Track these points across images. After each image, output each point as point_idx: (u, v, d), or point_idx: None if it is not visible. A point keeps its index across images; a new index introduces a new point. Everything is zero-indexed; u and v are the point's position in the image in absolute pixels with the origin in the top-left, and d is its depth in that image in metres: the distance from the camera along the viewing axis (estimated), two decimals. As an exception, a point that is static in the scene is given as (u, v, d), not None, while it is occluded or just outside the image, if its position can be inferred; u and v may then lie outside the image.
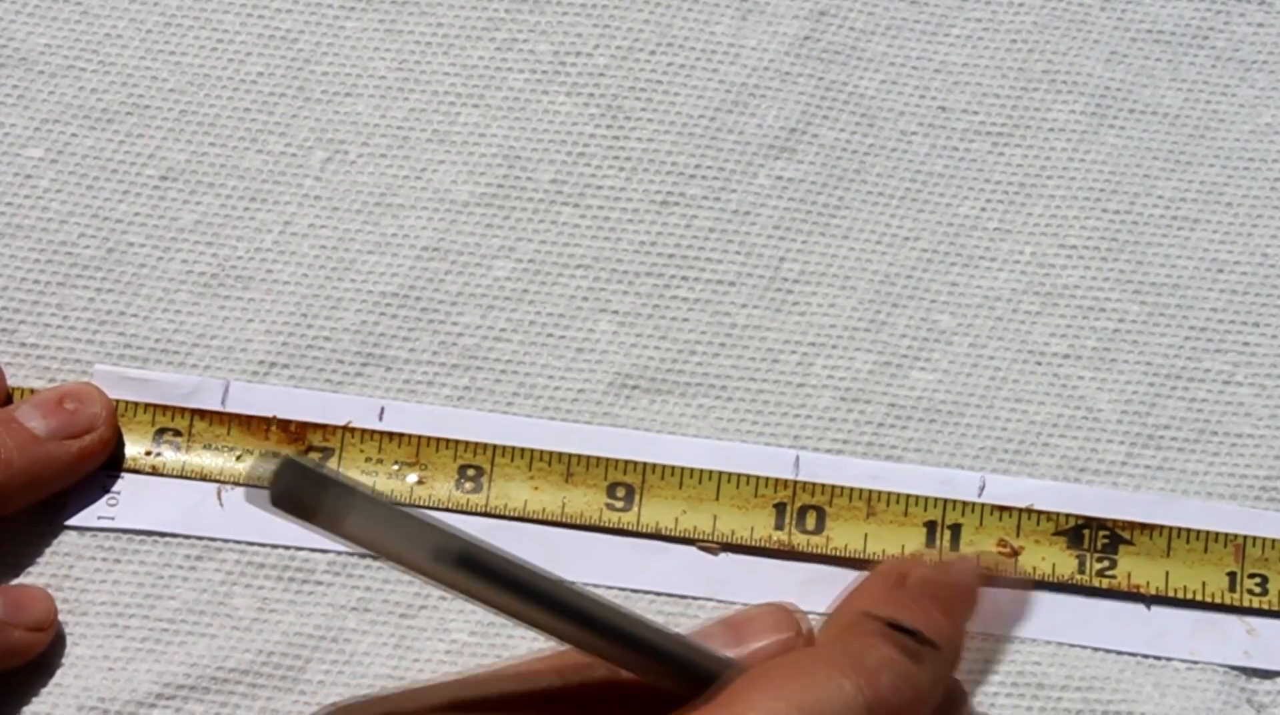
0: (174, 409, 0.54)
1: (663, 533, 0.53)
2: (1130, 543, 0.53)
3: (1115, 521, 0.53)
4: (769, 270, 0.56)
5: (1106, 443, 0.55)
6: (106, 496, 0.53)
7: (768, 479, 0.53)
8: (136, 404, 0.54)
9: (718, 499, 0.53)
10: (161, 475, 0.53)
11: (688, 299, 0.56)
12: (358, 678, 0.51)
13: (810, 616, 0.41)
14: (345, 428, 0.54)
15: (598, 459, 0.53)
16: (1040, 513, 0.53)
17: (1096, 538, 0.53)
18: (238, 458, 0.53)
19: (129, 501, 0.53)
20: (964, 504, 0.53)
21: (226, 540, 0.53)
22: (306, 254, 0.56)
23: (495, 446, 0.54)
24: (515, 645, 0.52)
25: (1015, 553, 0.53)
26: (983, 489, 0.54)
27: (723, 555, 0.53)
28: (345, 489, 0.29)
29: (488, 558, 0.33)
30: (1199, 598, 0.53)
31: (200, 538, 0.53)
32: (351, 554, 0.52)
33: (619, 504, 0.53)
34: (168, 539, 0.53)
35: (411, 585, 0.52)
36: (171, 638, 0.52)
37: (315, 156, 0.57)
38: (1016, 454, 0.54)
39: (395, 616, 0.52)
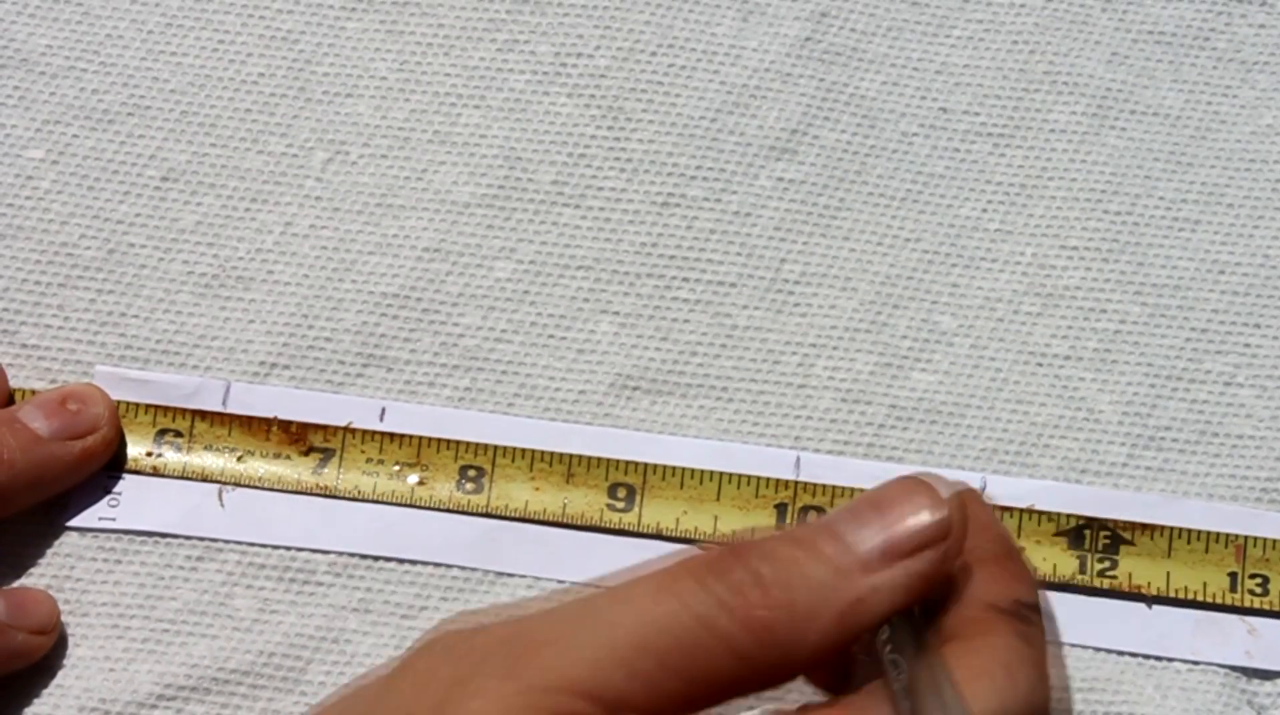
0: (175, 410, 0.54)
1: (664, 533, 0.53)
2: (1131, 543, 0.53)
3: (1116, 522, 0.53)
4: (770, 271, 0.56)
5: (1108, 444, 0.55)
6: (108, 497, 0.53)
7: (769, 480, 0.53)
8: (137, 405, 0.54)
9: (719, 500, 0.53)
10: (162, 476, 0.53)
11: (689, 300, 0.56)
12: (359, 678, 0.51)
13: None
14: (346, 428, 0.54)
15: (599, 460, 0.53)
16: (1041, 513, 0.53)
17: (1097, 538, 0.53)
18: (239, 459, 0.53)
19: (130, 502, 0.53)
20: (965, 505, 0.53)
21: (227, 541, 0.53)
22: (307, 255, 0.56)
23: (496, 447, 0.54)
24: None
25: (1016, 553, 0.53)
26: (984, 490, 0.54)
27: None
28: None
29: None
30: (1200, 598, 0.53)
31: (201, 539, 0.53)
32: (353, 554, 0.53)
33: (620, 505, 0.53)
34: (169, 540, 0.53)
35: (412, 585, 0.52)
36: (172, 639, 0.52)
37: (316, 157, 0.57)
38: (1018, 455, 0.54)
39: (396, 617, 0.52)
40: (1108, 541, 0.53)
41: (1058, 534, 0.53)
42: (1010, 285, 0.56)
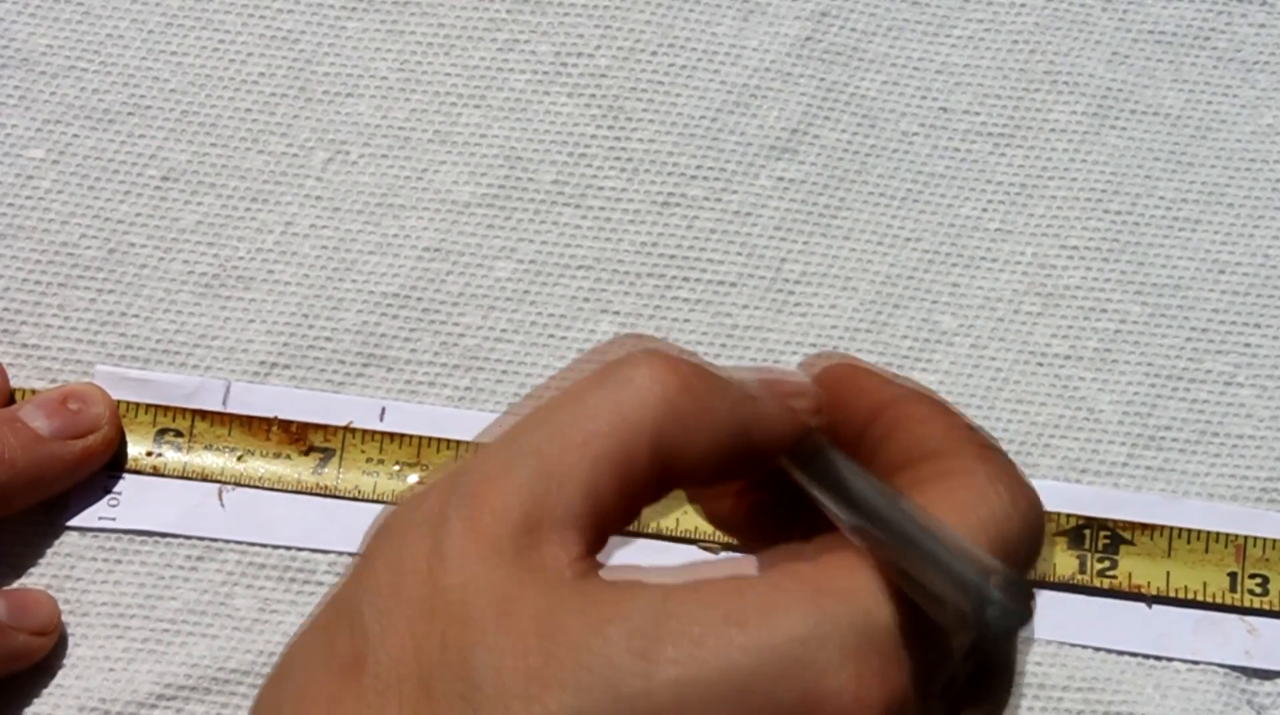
0: (175, 409, 0.54)
1: (664, 533, 0.53)
2: (1131, 543, 0.53)
3: (1116, 522, 0.53)
4: (770, 271, 0.56)
5: (1108, 444, 0.55)
6: (108, 497, 0.53)
7: (769, 480, 0.53)
8: (138, 405, 0.54)
9: (719, 500, 0.53)
10: (163, 476, 0.53)
11: (689, 300, 0.56)
12: (359, 678, 0.51)
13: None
14: (346, 428, 0.54)
15: (599, 460, 0.53)
16: (1041, 513, 0.53)
17: (1097, 538, 0.53)
18: (239, 458, 0.53)
19: (130, 502, 0.53)
20: (965, 505, 0.53)
21: (227, 541, 0.53)
22: (308, 254, 0.56)
23: (496, 447, 0.54)
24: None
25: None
26: (983, 490, 0.54)
27: (723, 555, 0.53)
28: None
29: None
30: (1200, 598, 0.53)
31: (201, 538, 0.53)
32: (353, 554, 0.52)
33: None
34: (169, 539, 0.53)
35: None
36: (173, 638, 0.52)
37: (317, 157, 0.57)
38: (1018, 455, 0.54)
39: (396, 617, 0.52)
40: (1107, 541, 0.53)
41: (1058, 534, 0.53)
42: (1010, 285, 0.56)
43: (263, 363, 0.55)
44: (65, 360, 0.55)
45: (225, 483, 0.53)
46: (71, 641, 0.52)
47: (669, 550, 0.53)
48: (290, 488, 0.53)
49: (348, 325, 0.55)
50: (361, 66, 0.58)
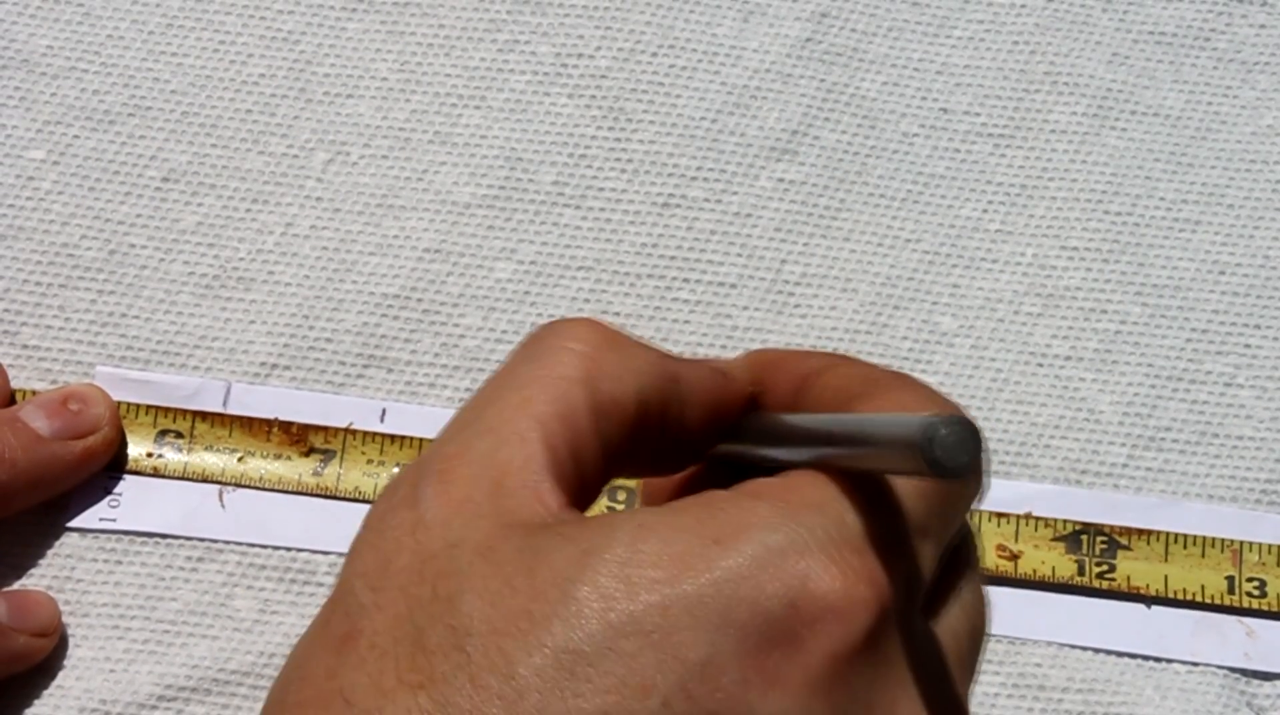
0: (176, 410, 0.54)
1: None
2: (1128, 548, 0.53)
3: (1112, 527, 0.53)
4: (770, 272, 0.56)
5: (1108, 445, 0.55)
6: (108, 498, 0.53)
7: (769, 481, 0.53)
8: (138, 406, 0.54)
9: (719, 501, 0.53)
10: (163, 476, 0.53)
11: (689, 301, 0.56)
12: (359, 679, 0.51)
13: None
14: (347, 430, 0.54)
15: (599, 461, 0.53)
16: (1038, 519, 0.53)
17: (1094, 543, 0.53)
18: (239, 459, 0.53)
19: (130, 503, 0.53)
20: (963, 508, 0.53)
21: (228, 542, 0.53)
22: (308, 256, 0.56)
23: (496, 448, 0.54)
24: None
25: (1014, 557, 0.53)
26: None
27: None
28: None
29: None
30: (1198, 600, 0.53)
31: (202, 539, 0.53)
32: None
33: (620, 506, 0.53)
34: (169, 540, 0.53)
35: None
36: (173, 639, 0.52)
37: (317, 158, 0.57)
38: (1018, 456, 0.54)
39: (396, 618, 0.52)
40: (1105, 546, 0.53)
41: (1055, 539, 0.53)
42: (1011, 286, 0.56)
43: (263, 364, 0.55)
44: (66, 361, 0.55)
45: (226, 484, 0.53)
46: (72, 642, 0.52)
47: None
48: (291, 489, 0.53)
49: (348, 326, 0.55)
50: (362, 67, 0.58)
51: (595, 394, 0.33)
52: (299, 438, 0.54)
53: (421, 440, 0.54)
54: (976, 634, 0.34)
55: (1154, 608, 0.53)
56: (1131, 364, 0.56)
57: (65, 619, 0.52)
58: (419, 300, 0.55)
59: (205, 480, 0.53)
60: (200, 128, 0.57)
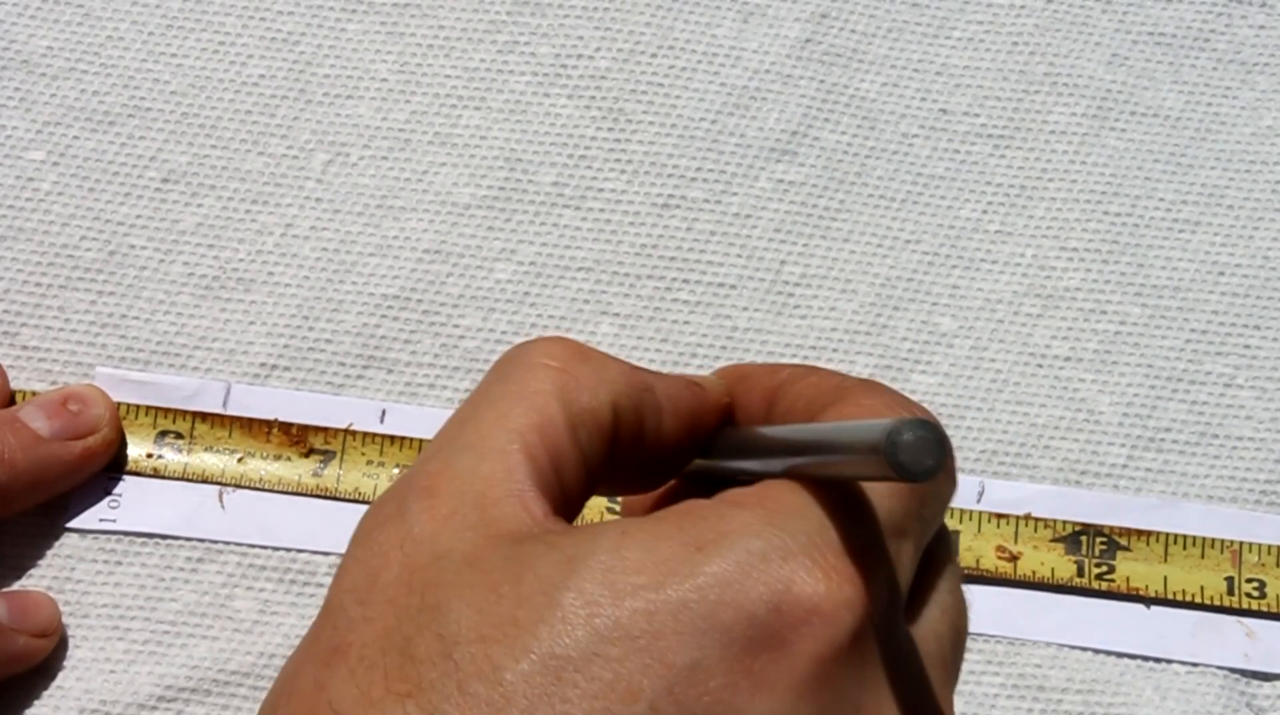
0: (175, 411, 0.54)
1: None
2: (1127, 549, 0.53)
3: (1112, 528, 0.53)
4: (770, 273, 0.56)
5: (1108, 446, 0.55)
6: (108, 499, 0.53)
7: (768, 482, 0.53)
8: (138, 406, 0.54)
9: (718, 502, 0.53)
10: (163, 477, 0.53)
11: (689, 302, 0.56)
12: (359, 680, 0.51)
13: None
14: (347, 430, 0.54)
15: (598, 462, 0.53)
16: (1038, 520, 0.53)
17: (1094, 544, 0.53)
18: (239, 460, 0.53)
19: (130, 504, 0.53)
20: (962, 511, 0.53)
21: (228, 542, 0.53)
22: (308, 256, 0.56)
23: (496, 449, 0.54)
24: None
25: (1013, 558, 0.53)
26: (981, 494, 0.54)
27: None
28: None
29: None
30: (1198, 600, 0.53)
31: (202, 540, 0.53)
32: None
33: (620, 507, 0.53)
34: (169, 541, 0.53)
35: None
36: (173, 640, 0.52)
37: (317, 159, 0.57)
38: (1017, 456, 0.54)
39: (396, 619, 0.52)
40: (1104, 547, 0.53)
41: (1055, 540, 0.53)
42: (1010, 287, 0.56)
43: (263, 365, 0.55)
44: (66, 362, 0.55)
45: (225, 484, 0.53)
46: (72, 643, 0.52)
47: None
48: (290, 490, 0.53)
49: (348, 327, 0.55)
50: (362, 69, 0.58)
51: (570, 405, 0.33)
52: (299, 438, 0.54)
53: (421, 441, 0.54)
54: (958, 635, 0.34)
55: (1153, 608, 0.53)
56: (1131, 365, 0.56)
57: (65, 619, 0.52)
58: (419, 301, 0.55)
59: (205, 481, 0.53)
60: (200, 129, 0.57)
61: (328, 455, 0.54)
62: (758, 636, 0.29)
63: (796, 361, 0.55)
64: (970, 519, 0.53)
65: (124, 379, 0.54)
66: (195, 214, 0.56)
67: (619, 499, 0.51)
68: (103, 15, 0.58)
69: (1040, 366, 0.56)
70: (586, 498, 0.34)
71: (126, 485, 0.53)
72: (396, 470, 0.53)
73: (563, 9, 0.59)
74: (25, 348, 0.55)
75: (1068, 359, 0.56)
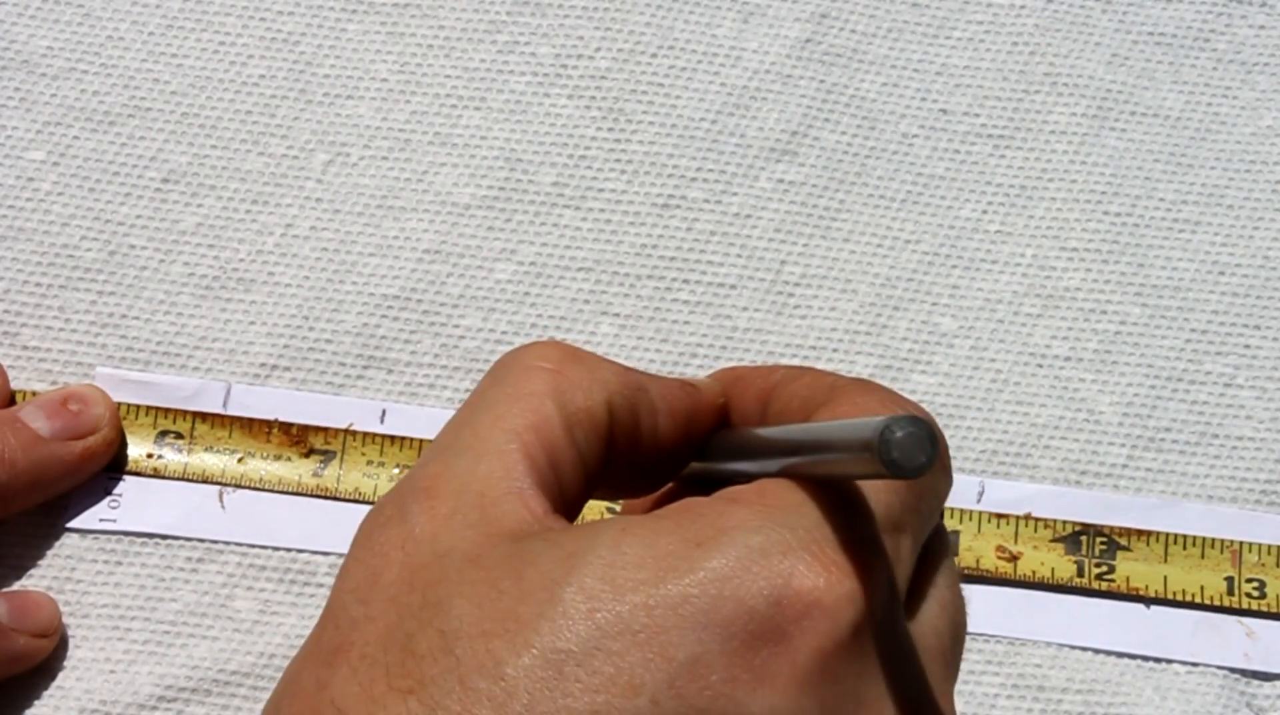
0: (176, 411, 0.54)
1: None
2: (1127, 549, 0.53)
3: (1112, 528, 0.53)
4: (770, 273, 0.56)
5: (1108, 446, 0.55)
6: (108, 499, 0.53)
7: (768, 482, 0.53)
8: (138, 406, 0.54)
9: (718, 502, 0.53)
10: (163, 477, 0.54)
11: (689, 302, 0.56)
12: (359, 680, 0.51)
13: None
14: (347, 431, 0.54)
15: (599, 462, 0.53)
16: (1038, 520, 0.53)
17: (1094, 544, 0.53)
18: (239, 460, 0.53)
19: (130, 504, 0.53)
20: (962, 511, 0.53)
21: (228, 543, 0.53)
22: (308, 257, 0.56)
23: (496, 449, 0.54)
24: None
25: (1013, 558, 0.53)
26: (981, 494, 0.54)
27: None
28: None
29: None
30: (1197, 600, 0.53)
31: (202, 540, 0.53)
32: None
33: (620, 508, 0.53)
34: (169, 541, 0.53)
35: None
36: (173, 640, 0.52)
37: (317, 159, 0.57)
38: (1017, 456, 0.54)
39: (396, 619, 0.52)
40: (1104, 547, 0.53)
41: (1055, 540, 0.53)
42: (1010, 287, 0.56)
43: (263, 365, 0.55)
44: (66, 362, 0.55)
45: (226, 485, 0.53)
46: (72, 643, 0.52)
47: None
48: (291, 490, 0.53)
49: (348, 327, 0.55)
50: (362, 69, 0.58)
51: (566, 406, 0.33)
52: (299, 439, 0.54)
53: (421, 441, 0.54)
54: (957, 630, 0.34)
55: (1153, 608, 0.53)
56: (1131, 364, 0.56)
57: (65, 620, 0.52)
58: (419, 301, 0.55)
59: (205, 481, 0.53)
60: (200, 129, 0.57)
61: (328, 455, 0.54)
62: (758, 631, 0.29)
63: (796, 362, 0.55)
64: (970, 519, 0.53)
65: (124, 379, 0.54)
66: (195, 214, 0.56)
67: (619, 502, 0.51)
68: (103, 15, 0.58)
69: (1040, 366, 0.56)
70: (585, 499, 0.34)
71: (127, 485, 0.53)
72: (397, 470, 0.53)
73: (563, 9, 0.59)
74: (25, 348, 0.55)
75: (1068, 359, 0.56)
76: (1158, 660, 0.53)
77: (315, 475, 0.53)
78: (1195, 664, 0.52)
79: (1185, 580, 0.53)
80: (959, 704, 0.51)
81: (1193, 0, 0.60)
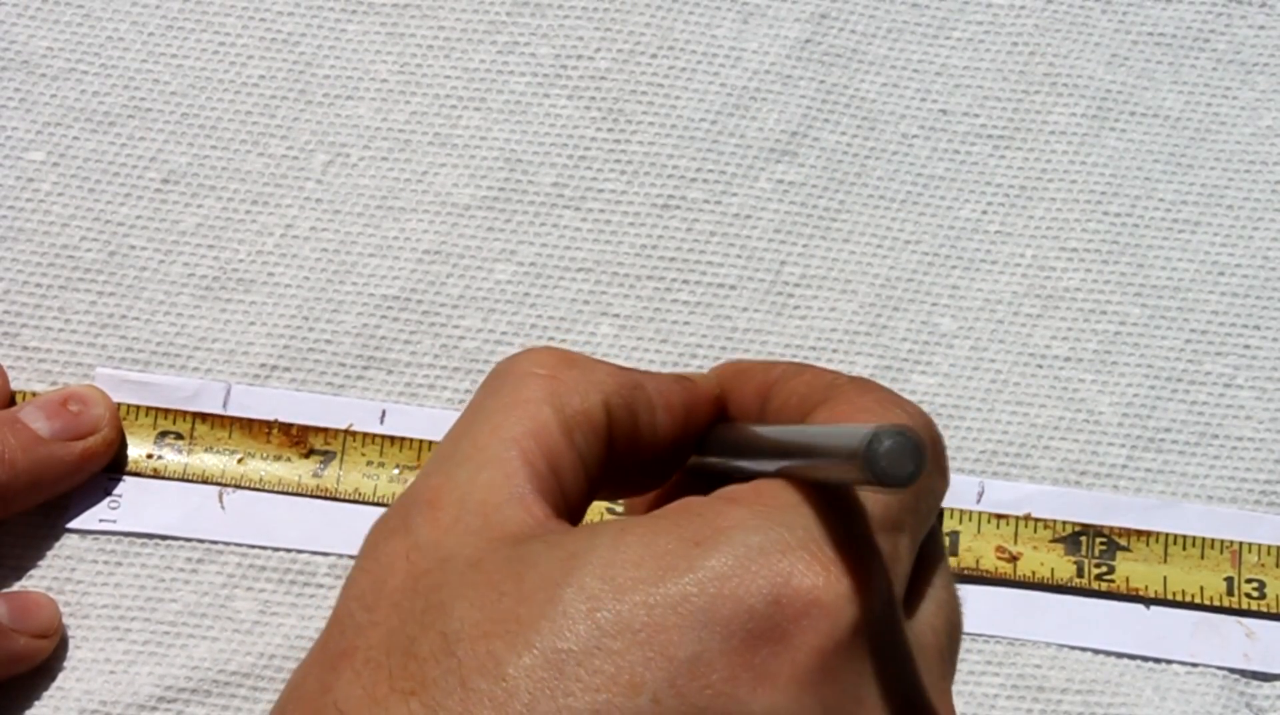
0: (176, 412, 0.54)
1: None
2: (1127, 549, 0.53)
3: (1112, 528, 0.53)
4: (770, 274, 0.56)
5: (1107, 446, 0.55)
6: (108, 499, 0.53)
7: (768, 482, 0.53)
8: (138, 407, 0.54)
9: (718, 502, 0.53)
10: (163, 478, 0.54)
11: (689, 302, 0.56)
12: (359, 681, 0.51)
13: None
14: (347, 431, 0.54)
15: (598, 462, 0.53)
16: (1037, 520, 0.53)
17: (1094, 544, 0.53)
18: (239, 461, 0.54)
19: (130, 504, 0.53)
20: (962, 511, 0.53)
21: (228, 543, 0.53)
22: (308, 257, 0.56)
23: (496, 450, 0.54)
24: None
25: (1013, 558, 0.53)
26: (981, 495, 0.54)
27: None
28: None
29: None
30: (1197, 601, 0.53)
31: (202, 541, 0.53)
32: (353, 556, 0.52)
33: (620, 508, 0.53)
34: (169, 542, 0.53)
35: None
36: (173, 641, 0.52)
37: (317, 159, 0.57)
38: (1017, 457, 0.54)
39: (396, 619, 0.52)
40: (1104, 547, 0.53)
41: (1054, 540, 0.53)
42: (1010, 287, 0.56)
43: (263, 365, 0.55)
44: (66, 362, 0.55)
45: (226, 485, 0.53)
46: (72, 644, 0.52)
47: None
48: (290, 490, 0.53)
49: (348, 328, 0.55)
50: (362, 69, 0.58)
51: (563, 410, 0.34)
52: (299, 439, 0.54)
53: (421, 442, 0.54)
54: (954, 629, 0.34)
55: (1153, 609, 0.53)
56: (1131, 365, 0.56)
57: (65, 620, 0.52)
58: (419, 302, 0.55)
59: (205, 481, 0.53)
60: (200, 129, 0.57)
61: (328, 456, 0.54)
62: (758, 629, 0.29)
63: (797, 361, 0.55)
64: (970, 519, 0.53)
65: (124, 379, 0.54)
66: (195, 214, 0.56)
67: (620, 503, 0.51)
68: (103, 15, 0.58)
69: (1040, 366, 0.56)
70: (589, 501, 0.34)
71: (126, 486, 0.53)
72: (396, 471, 0.53)
73: (563, 9, 0.59)
74: (25, 348, 0.55)
75: (1068, 359, 0.56)
76: (1157, 661, 0.53)
77: (315, 476, 0.53)
78: (1195, 664, 0.52)
79: (1185, 581, 0.53)
80: (958, 704, 0.51)
81: (1192, 0, 0.60)
